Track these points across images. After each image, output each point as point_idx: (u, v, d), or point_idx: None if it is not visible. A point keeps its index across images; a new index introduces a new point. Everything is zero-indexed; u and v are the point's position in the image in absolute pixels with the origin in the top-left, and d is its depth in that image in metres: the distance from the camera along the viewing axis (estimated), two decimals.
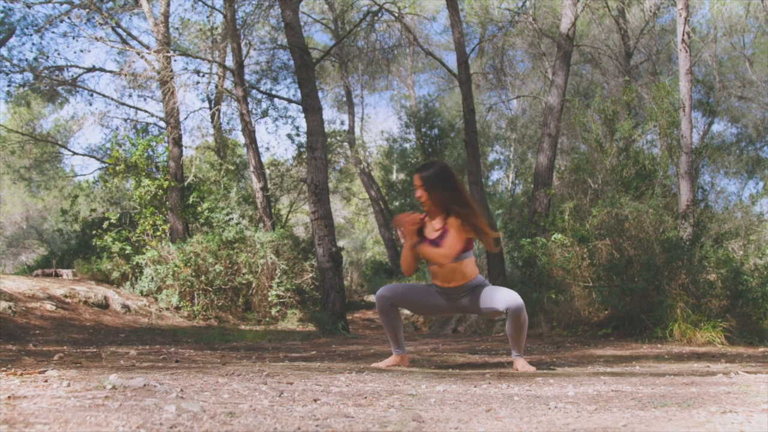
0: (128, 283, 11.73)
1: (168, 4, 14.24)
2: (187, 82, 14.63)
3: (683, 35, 9.63)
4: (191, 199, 13.83)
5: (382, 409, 2.47)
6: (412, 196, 23.43)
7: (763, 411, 2.38)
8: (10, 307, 8.41)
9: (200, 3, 15.99)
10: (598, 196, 10.00)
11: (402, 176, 25.55)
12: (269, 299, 11.75)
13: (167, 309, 11.07)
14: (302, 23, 14.62)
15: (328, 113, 26.71)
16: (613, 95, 14.31)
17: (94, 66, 15.42)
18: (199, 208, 13.83)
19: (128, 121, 16.69)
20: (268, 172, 17.94)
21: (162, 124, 15.18)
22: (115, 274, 11.82)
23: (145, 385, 2.70)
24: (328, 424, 2.12)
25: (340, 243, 24.03)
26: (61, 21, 14.67)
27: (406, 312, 12.68)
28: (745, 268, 8.44)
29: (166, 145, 14.00)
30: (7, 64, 14.59)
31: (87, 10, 14.39)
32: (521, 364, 4.51)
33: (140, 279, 11.56)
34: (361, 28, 18.10)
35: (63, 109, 19.42)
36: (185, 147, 15.18)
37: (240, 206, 15.52)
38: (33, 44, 14.81)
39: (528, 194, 13.24)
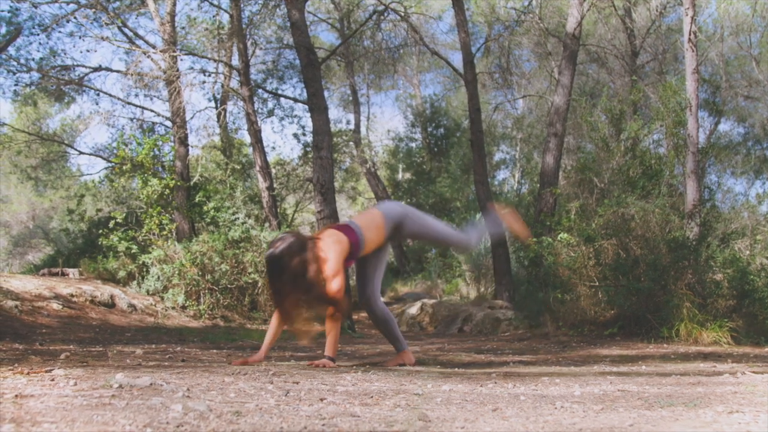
0: (134, 282, 11.74)
1: (174, 4, 14.28)
2: (193, 82, 14.67)
3: (690, 34, 9.62)
4: (197, 199, 13.84)
5: (389, 409, 2.47)
6: (417, 196, 23.47)
7: None
8: (16, 306, 8.44)
9: (206, 2, 16.01)
10: (604, 196, 9.98)
11: (408, 176, 25.55)
12: None
13: (173, 308, 11.08)
14: (308, 22, 14.63)
15: (334, 112, 26.69)
16: (619, 95, 14.29)
17: (100, 65, 15.46)
18: (205, 208, 13.84)
19: (134, 120, 16.76)
20: (273, 171, 17.95)
21: (168, 123, 15.21)
22: (122, 274, 11.84)
23: (151, 384, 2.71)
24: (335, 423, 2.13)
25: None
26: (68, 21, 14.72)
27: (412, 311, 12.68)
28: (752, 268, 8.42)
29: (172, 144, 14.02)
30: (14, 63, 14.64)
31: (93, 9, 14.42)
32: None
33: (146, 278, 11.57)
34: (367, 28, 18.11)
35: (69, 108, 19.48)
36: (191, 146, 15.23)
37: (246, 205, 15.55)
38: (40, 44, 14.88)
39: (534, 194, 13.23)
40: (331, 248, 4.19)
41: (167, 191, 13.08)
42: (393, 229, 4.57)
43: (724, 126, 21.19)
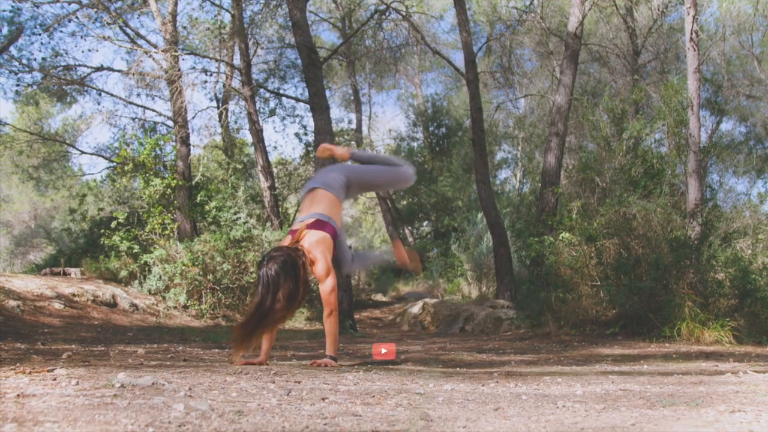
0: (136, 281, 11.75)
1: (176, 4, 14.28)
2: (195, 81, 14.68)
3: (691, 34, 9.59)
4: (199, 198, 13.85)
5: (390, 408, 2.47)
6: (419, 195, 23.45)
7: None
8: (18, 306, 8.45)
9: (208, 2, 16.02)
10: (605, 195, 9.98)
11: None
12: None
13: (175, 308, 11.09)
14: (309, 22, 14.63)
15: (336, 112, 26.73)
16: (621, 94, 14.28)
17: (102, 65, 15.49)
18: (206, 207, 13.85)
19: (136, 120, 16.78)
20: (275, 171, 17.97)
21: (170, 123, 15.23)
22: (123, 273, 11.85)
23: (153, 383, 2.71)
24: (336, 422, 2.13)
25: (348, 242, 24.25)
26: (69, 21, 14.73)
27: (414, 311, 12.68)
28: (754, 267, 8.42)
29: (174, 144, 14.03)
30: (16, 63, 14.65)
31: (95, 9, 14.43)
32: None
33: (148, 278, 11.58)
34: (369, 27, 18.11)
35: (71, 108, 19.50)
36: (193, 146, 15.23)
37: (247, 205, 15.55)
38: (42, 44, 14.88)
39: (536, 193, 13.23)
40: (317, 249, 4.21)
41: (169, 191, 13.08)
42: (345, 195, 4.65)
43: (725, 125, 21.18)
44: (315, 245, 4.21)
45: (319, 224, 4.34)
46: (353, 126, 22.89)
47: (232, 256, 11.66)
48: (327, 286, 4.18)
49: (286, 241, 4.32)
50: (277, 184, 16.60)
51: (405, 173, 4.90)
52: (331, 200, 4.52)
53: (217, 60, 16.45)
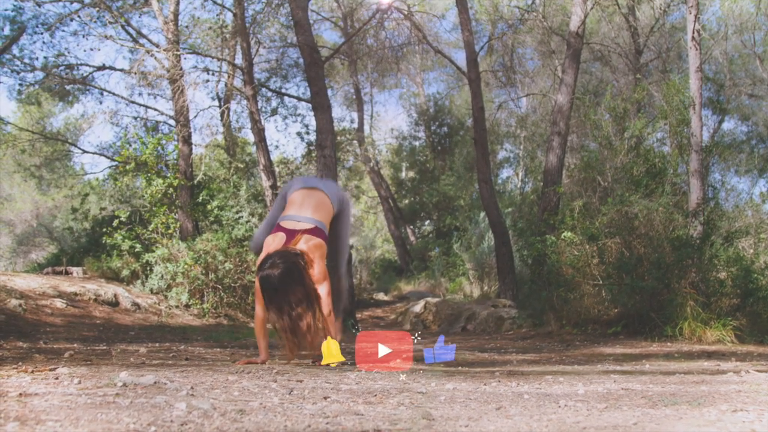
0: (138, 281, 11.75)
1: (178, 3, 14.26)
2: (197, 80, 14.66)
3: (693, 33, 9.58)
4: (201, 198, 13.84)
5: (392, 407, 2.47)
6: (421, 194, 23.45)
7: None
8: (20, 305, 8.45)
9: (210, 1, 16.01)
10: (607, 194, 9.97)
11: (411, 174, 25.54)
12: None
13: (177, 307, 11.10)
14: (311, 21, 14.62)
15: (338, 111, 26.70)
16: (623, 93, 14.26)
17: (104, 64, 15.47)
18: (208, 206, 13.84)
19: (138, 119, 16.77)
20: (277, 170, 17.95)
21: (172, 122, 15.21)
22: (125, 272, 11.85)
23: (155, 382, 2.71)
24: (338, 421, 2.13)
25: (350, 241, 24.25)
26: (71, 20, 14.73)
27: (416, 310, 12.68)
28: (756, 267, 8.41)
29: (176, 143, 14.01)
30: (19, 63, 14.65)
31: (97, 8, 14.43)
32: None
33: (150, 277, 11.58)
34: (371, 26, 18.09)
35: (73, 107, 19.50)
36: (195, 145, 15.22)
37: (249, 204, 15.53)
38: (44, 43, 14.88)
39: (537, 192, 13.21)
40: (314, 253, 4.28)
41: (171, 190, 13.08)
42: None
43: (727, 124, 21.15)
44: (313, 249, 4.28)
45: (316, 232, 4.40)
46: (355, 125, 22.91)
47: (234, 255, 11.66)
48: (324, 290, 4.23)
49: (279, 240, 4.33)
50: (278, 184, 16.59)
51: (343, 263, 5.14)
52: (330, 212, 4.65)
53: (219, 59, 16.45)
